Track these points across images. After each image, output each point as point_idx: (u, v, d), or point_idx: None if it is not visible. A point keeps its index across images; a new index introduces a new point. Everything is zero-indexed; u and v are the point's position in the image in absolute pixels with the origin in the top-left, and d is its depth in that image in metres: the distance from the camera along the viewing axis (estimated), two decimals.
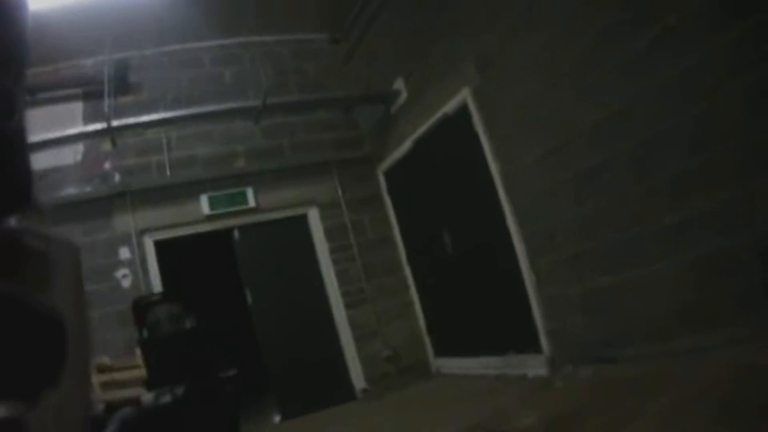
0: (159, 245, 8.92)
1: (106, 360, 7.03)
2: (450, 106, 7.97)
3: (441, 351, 9.44)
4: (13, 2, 0.77)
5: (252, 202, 9.36)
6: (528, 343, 7.12)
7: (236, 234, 9.34)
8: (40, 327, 0.68)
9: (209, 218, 9.18)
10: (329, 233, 9.78)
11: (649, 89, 5.10)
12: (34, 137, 7.35)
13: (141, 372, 6.46)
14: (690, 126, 4.78)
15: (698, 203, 4.82)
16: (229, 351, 8.02)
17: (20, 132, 0.75)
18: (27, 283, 0.70)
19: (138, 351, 6.77)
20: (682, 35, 4.74)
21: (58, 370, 0.70)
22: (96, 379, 6.73)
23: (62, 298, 0.76)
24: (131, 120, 8.20)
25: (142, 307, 4.54)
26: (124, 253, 8.53)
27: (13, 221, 0.75)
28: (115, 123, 7.87)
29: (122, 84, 8.99)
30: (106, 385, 6.80)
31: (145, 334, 4.50)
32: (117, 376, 6.74)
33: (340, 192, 9.94)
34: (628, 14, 5.20)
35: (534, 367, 6.97)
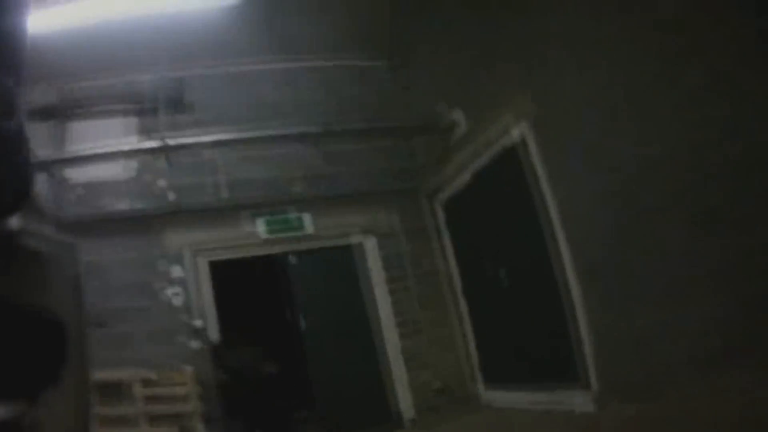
0: (213, 265, 9.01)
1: (151, 374, 7.11)
2: (508, 139, 7.91)
3: (491, 384, 9.31)
4: (13, 4, 0.78)
5: (309, 228, 9.41)
6: (576, 379, 7.00)
7: (292, 259, 9.38)
8: (40, 329, 0.69)
9: (265, 242, 9.26)
10: (386, 263, 9.76)
11: (705, 122, 5.01)
12: (89, 150, 7.54)
13: (187, 388, 6.52)
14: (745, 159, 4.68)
15: (749, 241, 4.70)
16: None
17: (20, 132, 0.76)
18: (27, 285, 0.71)
19: (187, 368, 6.85)
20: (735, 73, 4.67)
21: (58, 371, 0.70)
22: (139, 393, 6.82)
23: (61, 299, 0.77)
24: (187, 140, 8.38)
25: (222, 349, 4.60)
26: (176, 271, 8.64)
27: (13, 222, 0.75)
28: (170, 141, 8.01)
29: (179, 102, 9.17)
30: (150, 399, 6.89)
31: (223, 376, 4.56)
32: (160, 390, 6.81)
33: (398, 221, 9.93)
34: (684, 52, 5.13)
35: (581, 403, 6.83)
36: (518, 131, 7.69)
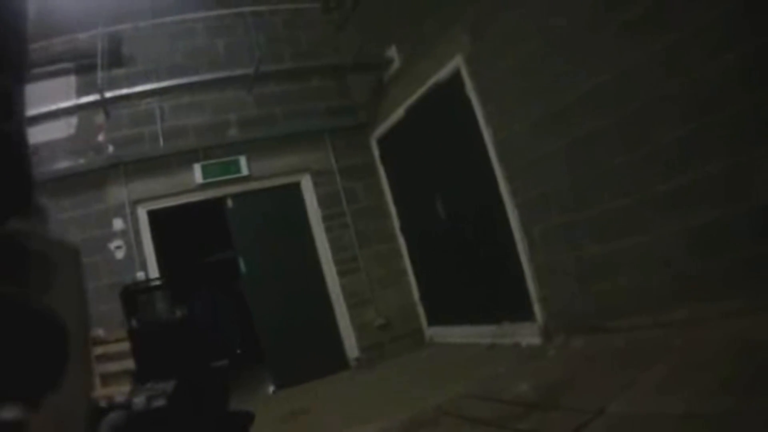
0: (153, 215, 8.89)
1: (100, 332, 7.03)
2: (443, 74, 7.92)
3: (434, 319, 9.47)
4: (13, 3, 0.76)
5: (245, 171, 9.33)
6: (521, 312, 7.13)
7: (229, 202, 9.30)
8: (41, 330, 0.68)
9: (202, 187, 9.15)
10: (322, 201, 9.76)
11: (644, 57, 5.05)
12: (30, 112, 7.32)
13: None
14: (685, 95, 4.74)
15: (693, 173, 4.80)
16: (225, 336, 7.91)
17: (20, 132, 0.74)
18: (28, 286, 0.69)
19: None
20: (678, 4, 4.70)
21: (60, 374, 0.69)
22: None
23: (63, 301, 0.76)
24: (124, 91, 8.16)
25: (130, 295, 4.46)
26: (118, 224, 8.51)
27: (13, 223, 0.73)
28: (108, 94, 7.82)
29: (116, 57, 8.93)
30: (100, 358, 6.82)
31: (134, 324, 4.43)
32: (111, 348, 6.74)
33: (333, 159, 9.91)
34: None
35: (527, 335, 6.99)
36: (453, 65, 7.68)
